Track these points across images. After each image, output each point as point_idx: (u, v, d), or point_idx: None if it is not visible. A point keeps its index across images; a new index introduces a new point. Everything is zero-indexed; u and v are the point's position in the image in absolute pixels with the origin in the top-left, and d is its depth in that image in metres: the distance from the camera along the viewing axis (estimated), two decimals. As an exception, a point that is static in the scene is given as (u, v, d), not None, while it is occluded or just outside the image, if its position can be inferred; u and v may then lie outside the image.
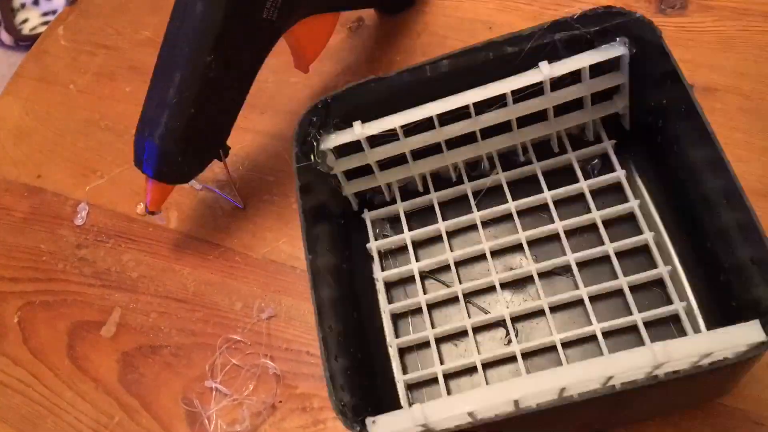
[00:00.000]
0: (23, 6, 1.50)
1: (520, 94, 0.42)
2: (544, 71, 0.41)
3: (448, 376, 0.42)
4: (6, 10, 1.48)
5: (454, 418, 0.32)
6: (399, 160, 0.46)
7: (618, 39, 0.41)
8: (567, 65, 0.41)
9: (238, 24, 0.44)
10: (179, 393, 0.47)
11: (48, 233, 0.56)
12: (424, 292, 0.44)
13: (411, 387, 0.42)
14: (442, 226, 0.46)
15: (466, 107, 0.42)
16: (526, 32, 0.41)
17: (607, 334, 0.40)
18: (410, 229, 0.46)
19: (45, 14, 1.48)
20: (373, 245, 0.46)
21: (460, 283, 0.44)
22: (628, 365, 0.31)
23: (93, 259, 0.54)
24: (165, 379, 0.48)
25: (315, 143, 0.43)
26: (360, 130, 0.43)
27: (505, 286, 0.43)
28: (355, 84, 0.42)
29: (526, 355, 0.41)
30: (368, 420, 0.33)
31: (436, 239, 0.46)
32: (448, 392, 0.41)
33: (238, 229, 0.52)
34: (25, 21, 1.48)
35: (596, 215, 0.43)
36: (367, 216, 0.47)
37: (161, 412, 0.47)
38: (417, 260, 0.45)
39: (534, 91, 0.42)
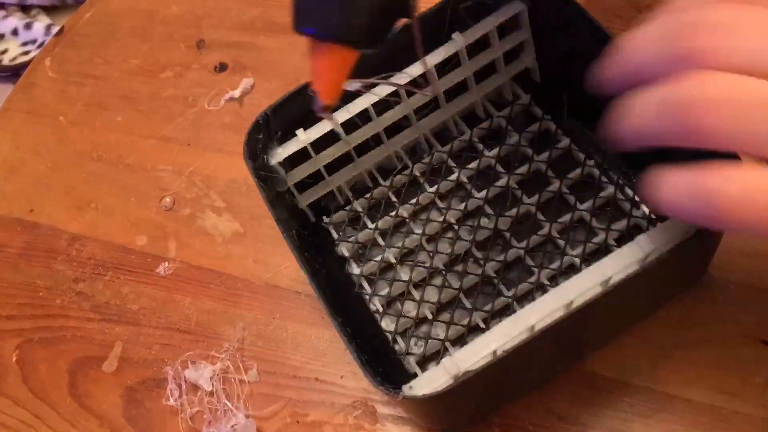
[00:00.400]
0: (2, 37, 1.48)
1: (442, 71, 0.45)
2: (458, 41, 0.44)
3: (455, 342, 0.43)
4: (-16, 41, 1.47)
5: (480, 360, 0.33)
6: (343, 162, 0.47)
7: None
8: (476, 31, 0.44)
9: None
10: (187, 426, 0.46)
11: (44, 268, 0.55)
12: (407, 275, 0.45)
13: (422, 363, 0.43)
14: (403, 210, 0.47)
15: (397, 93, 0.44)
16: (435, 9, 0.43)
17: (584, 261, 0.42)
18: (373, 222, 0.47)
19: (25, 44, 1.47)
20: (343, 247, 0.47)
21: (436, 256, 0.45)
22: (621, 263, 0.33)
23: (91, 293, 0.53)
24: (172, 412, 0.47)
25: (264, 160, 0.43)
26: (305, 136, 0.43)
27: (479, 246, 0.45)
28: (289, 93, 0.43)
29: (519, 300, 0.43)
30: (404, 387, 0.34)
31: (399, 226, 0.47)
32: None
33: (238, 255, 0.52)
34: (4, 51, 1.47)
35: (538, 161, 0.46)
36: (329, 222, 0.48)
37: (169, 446, 0.46)
38: (389, 248, 0.46)
39: (450, 66, 0.45)
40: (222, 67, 0.61)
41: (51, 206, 0.58)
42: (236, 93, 0.58)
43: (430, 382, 0.34)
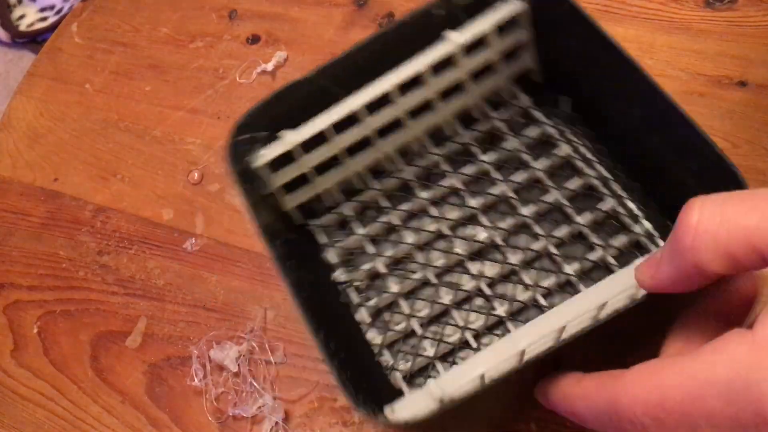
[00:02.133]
0: (20, 2, 1.47)
1: (436, 70, 0.43)
2: (454, 39, 0.41)
3: (443, 358, 0.41)
4: (2, 6, 1.45)
5: (467, 384, 0.31)
6: (333, 162, 0.44)
7: None
8: (472, 30, 0.41)
9: None
10: (211, 406, 0.45)
11: (67, 239, 0.54)
12: (396, 286, 0.43)
13: (409, 379, 0.41)
14: (394, 216, 0.45)
15: (388, 94, 0.42)
16: (428, 6, 0.41)
17: (581, 278, 0.41)
18: (363, 227, 0.45)
19: (42, 10, 1.45)
20: (330, 253, 0.45)
21: (427, 267, 0.43)
22: (618, 288, 0.31)
23: (116, 266, 0.52)
24: (196, 392, 0.46)
25: (248, 163, 0.40)
26: (290, 138, 0.41)
27: (472, 258, 0.43)
28: (275, 92, 0.40)
29: (512, 316, 0.41)
30: (386, 409, 0.32)
31: (389, 232, 0.45)
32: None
33: (267, 234, 0.50)
34: (21, 17, 1.45)
35: (536, 168, 0.44)
36: (315, 226, 0.45)
37: (193, 426, 0.45)
38: (378, 256, 0.44)
39: (446, 64, 0.43)
40: (254, 39, 0.59)
41: (75, 176, 0.57)
42: (269, 66, 0.56)
43: (413, 405, 0.32)
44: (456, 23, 0.41)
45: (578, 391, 0.28)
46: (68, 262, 0.53)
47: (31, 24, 1.44)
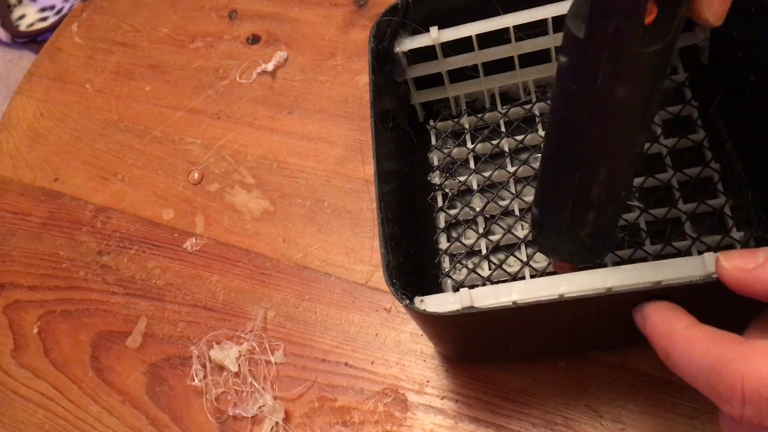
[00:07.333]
0: (20, 1, 1.47)
1: None
2: None
3: (496, 284, 0.41)
4: (2, 6, 1.45)
5: (496, 304, 0.32)
6: (469, 74, 0.46)
7: None
8: None
9: None
10: (211, 406, 0.45)
11: (67, 239, 0.54)
12: (481, 204, 0.44)
13: (457, 290, 0.42)
14: (506, 143, 0.46)
15: (544, 24, 0.42)
16: None
17: (657, 259, 0.39)
18: (472, 142, 0.46)
19: (42, 10, 1.45)
20: (435, 155, 0.47)
21: (516, 199, 0.44)
22: (679, 271, 0.31)
23: (116, 266, 0.52)
24: (196, 392, 0.46)
25: (389, 46, 0.42)
26: (436, 35, 0.43)
27: None
28: None
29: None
30: (417, 298, 0.34)
31: (496, 157, 0.46)
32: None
33: (267, 234, 0.50)
34: (22, 17, 1.45)
35: (663, 144, 0.43)
36: (433, 127, 0.48)
37: (193, 426, 0.45)
38: (477, 173, 0.45)
39: None
40: (254, 39, 0.59)
41: (76, 176, 0.57)
42: (269, 66, 0.56)
43: (442, 303, 0.33)
44: None
45: (686, 336, 0.26)
46: (68, 262, 0.53)
47: (31, 24, 1.44)
